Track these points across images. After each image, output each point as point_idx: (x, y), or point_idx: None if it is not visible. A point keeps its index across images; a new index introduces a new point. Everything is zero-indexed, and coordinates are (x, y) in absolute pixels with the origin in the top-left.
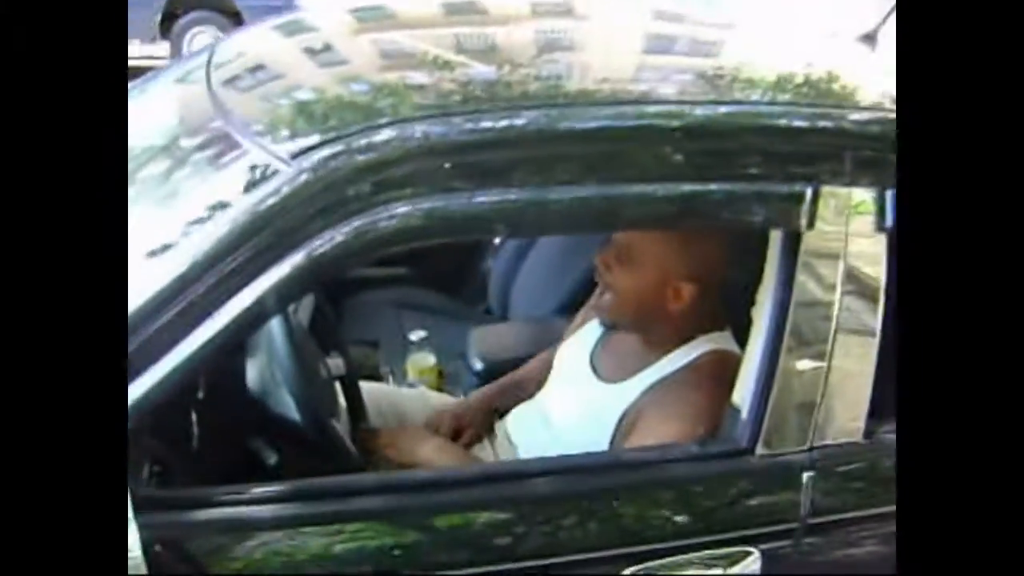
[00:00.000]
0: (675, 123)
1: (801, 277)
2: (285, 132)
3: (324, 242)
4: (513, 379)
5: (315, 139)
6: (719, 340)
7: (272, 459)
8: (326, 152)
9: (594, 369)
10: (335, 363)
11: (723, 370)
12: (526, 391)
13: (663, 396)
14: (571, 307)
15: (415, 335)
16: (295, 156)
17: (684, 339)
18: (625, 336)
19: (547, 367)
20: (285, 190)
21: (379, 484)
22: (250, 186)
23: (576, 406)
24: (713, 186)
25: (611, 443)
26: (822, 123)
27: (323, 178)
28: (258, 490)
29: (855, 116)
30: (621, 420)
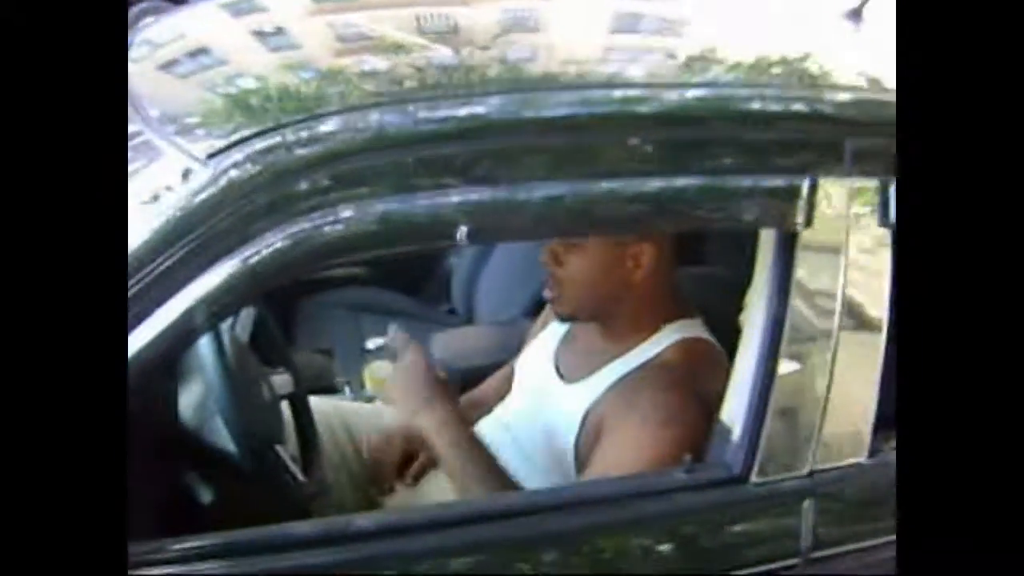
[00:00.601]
0: (643, 109)
1: (798, 280)
2: (213, 126)
3: (259, 249)
4: (470, 399)
5: (245, 132)
6: (688, 328)
7: (207, 497)
8: (259, 146)
9: (557, 371)
10: (281, 380)
11: (694, 361)
12: (485, 409)
13: (630, 396)
14: (541, 307)
15: (372, 342)
16: (216, 154)
17: (650, 328)
18: (588, 331)
19: (508, 382)
20: (209, 190)
21: (329, 535)
22: (169, 188)
23: (539, 413)
24: (692, 181)
25: (575, 447)
26: (801, 107)
27: (256, 175)
28: (200, 544)
29: (840, 99)
30: (584, 421)
